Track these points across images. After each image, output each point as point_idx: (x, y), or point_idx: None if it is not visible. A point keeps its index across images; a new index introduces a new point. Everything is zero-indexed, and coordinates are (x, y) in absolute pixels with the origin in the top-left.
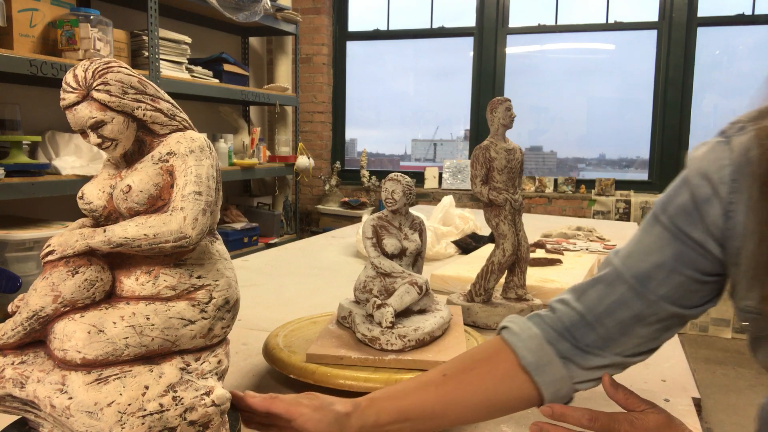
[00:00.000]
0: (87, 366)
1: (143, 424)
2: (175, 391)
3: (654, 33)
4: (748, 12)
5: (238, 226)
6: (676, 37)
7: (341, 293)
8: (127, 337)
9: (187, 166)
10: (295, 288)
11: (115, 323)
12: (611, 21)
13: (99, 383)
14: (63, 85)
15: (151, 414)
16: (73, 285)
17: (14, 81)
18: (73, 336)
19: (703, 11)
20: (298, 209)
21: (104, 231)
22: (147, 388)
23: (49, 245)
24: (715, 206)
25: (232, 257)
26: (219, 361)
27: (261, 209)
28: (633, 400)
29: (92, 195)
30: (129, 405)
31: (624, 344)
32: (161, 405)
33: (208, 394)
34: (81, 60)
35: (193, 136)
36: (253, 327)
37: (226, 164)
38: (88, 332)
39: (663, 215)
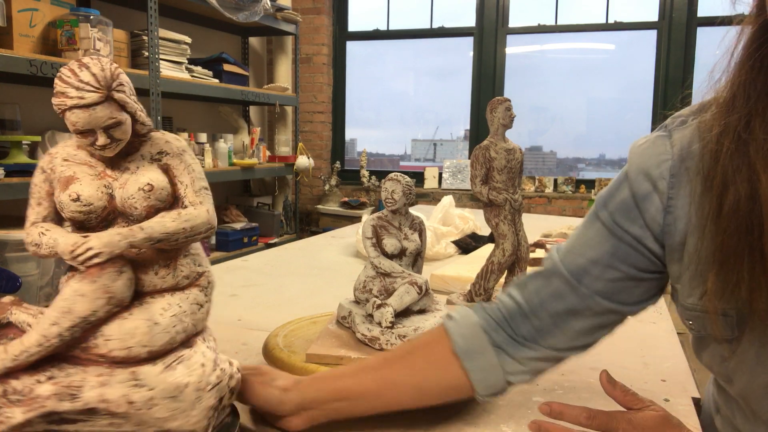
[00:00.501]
0: (152, 358)
1: (212, 396)
2: (218, 365)
3: (654, 33)
4: (748, 12)
5: (238, 226)
6: (676, 37)
7: (341, 293)
8: (175, 326)
9: (187, 164)
10: (295, 288)
11: (161, 315)
12: (611, 21)
13: (168, 370)
14: (78, 83)
15: (214, 386)
16: (122, 285)
17: (14, 81)
18: (136, 332)
19: (702, 11)
20: (298, 209)
21: (142, 229)
22: (203, 365)
23: (91, 248)
24: (655, 202)
25: (233, 257)
26: (213, 338)
27: (261, 209)
28: (631, 398)
29: (92, 196)
30: (200, 382)
31: (557, 337)
32: (217, 377)
33: (231, 364)
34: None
35: (174, 136)
36: (253, 327)
37: (226, 164)
38: (149, 327)
39: (603, 211)
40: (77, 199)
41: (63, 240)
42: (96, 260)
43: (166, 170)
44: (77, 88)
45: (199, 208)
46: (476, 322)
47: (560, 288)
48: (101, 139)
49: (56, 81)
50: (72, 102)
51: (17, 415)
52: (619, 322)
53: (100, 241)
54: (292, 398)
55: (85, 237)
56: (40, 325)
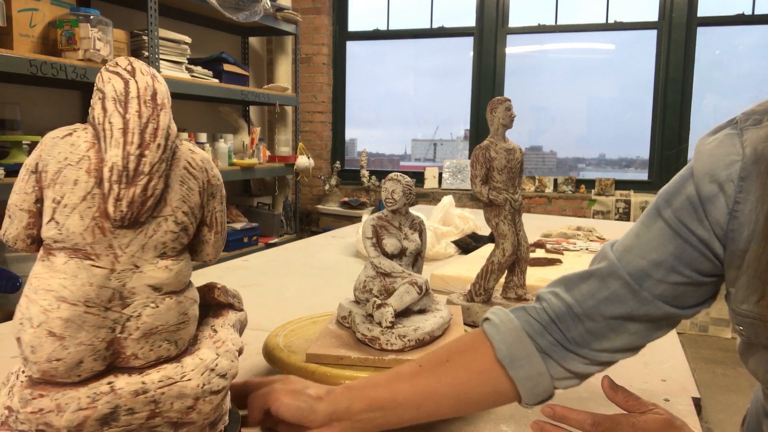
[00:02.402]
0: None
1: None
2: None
3: (654, 33)
4: (748, 12)
5: (238, 226)
6: (676, 37)
7: (341, 293)
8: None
9: None
10: (295, 288)
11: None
12: (611, 21)
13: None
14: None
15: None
16: None
17: (14, 81)
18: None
19: (703, 11)
20: (298, 209)
21: None
22: (224, 342)
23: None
24: (720, 205)
25: (233, 257)
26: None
27: (261, 209)
28: (633, 402)
29: None
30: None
31: (612, 340)
32: (234, 356)
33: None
34: (81, 60)
35: None
36: (253, 327)
37: (226, 164)
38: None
39: (666, 209)
40: None
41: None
42: None
43: None
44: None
45: None
46: (518, 327)
47: (619, 291)
48: None
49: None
50: None
51: None
52: (675, 324)
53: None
54: (323, 408)
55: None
56: None
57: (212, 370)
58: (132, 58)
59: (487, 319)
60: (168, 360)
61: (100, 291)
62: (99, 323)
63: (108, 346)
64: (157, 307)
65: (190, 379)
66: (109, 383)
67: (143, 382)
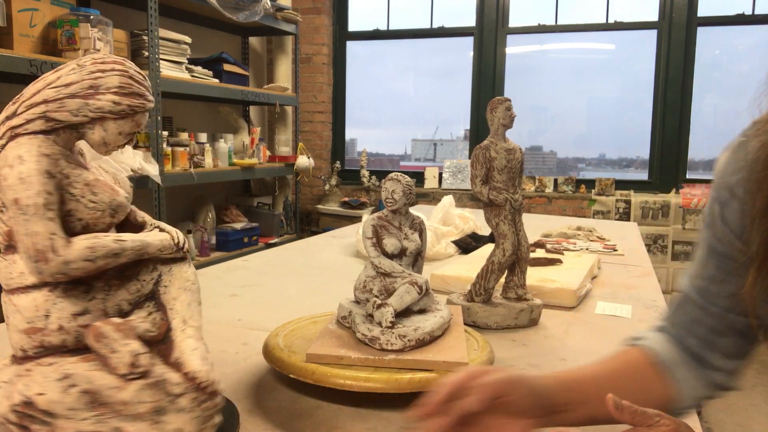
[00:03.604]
0: None
1: None
2: None
3: (654, 33)
4: (748, 12)
5: (238, 226)
6: (676, 37)
7: (341, 293)
8: None
9: None
10: (295, 288)
11: None
12: (611, 21)
13: None
14: (148, 86)
15: None
16: None
17: (14, 81)
18: None
19: (703, 11)
20: (298, 209)
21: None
22: None
23: (179, 241)
24: (735, 208)
25: (233, 257)
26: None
27: (261, 209)
28: (640, 417)
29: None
30: None
31: (715, 359)
32: None
33: None
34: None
35: None
36: (253, 327)
37: (226, 164)
38: None
39: (705, 229)
40: (127, 200)
41: (153, 238)
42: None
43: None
44: (149, 92)
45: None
46: (668, 338)
47: (695, 313)
48: (133, 140)
49: (129, 81)
50: (150, 105)
51: None
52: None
53: (175, 229)
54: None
55: (161, 231)
56: (194, 311)
57: None
58: None
59: (636, 338)
60: None
61: None
62: None
63: None
64: None
65: None
66: None
67: None
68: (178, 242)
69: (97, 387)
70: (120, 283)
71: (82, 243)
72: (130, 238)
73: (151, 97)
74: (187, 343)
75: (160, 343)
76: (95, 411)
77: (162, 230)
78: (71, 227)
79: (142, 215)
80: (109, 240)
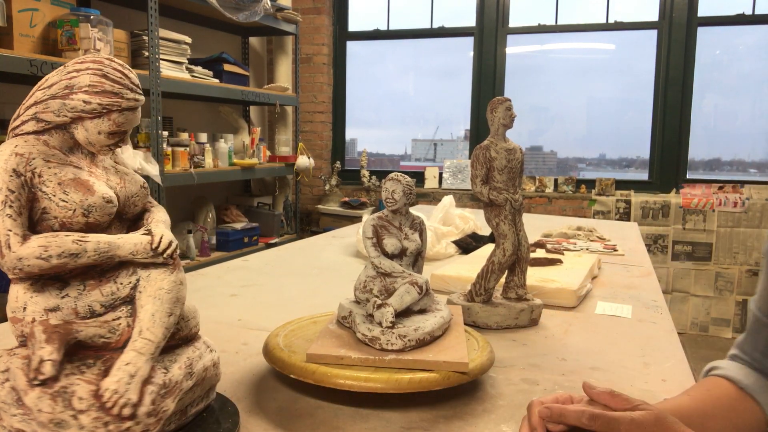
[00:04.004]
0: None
1: None
2: None
3: (654, 33)
4: (749, 12)
5: (238, 226)
6: (676, 37)
7: (341, 293)
8: None
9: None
10: (295, 288)
11: None
12: (611, 21)
13: None
14: (131, 85)
15: None
16: None
17: (14, 81)
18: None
19: (703, 11)
20: (299, 209)
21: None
22: None
23: (171, 243)
24: None
25: (233, 257)
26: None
27: (261, 209)
28: (620, 399)
29: (113, 197)
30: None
31: None
32: None
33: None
34: None
35: None
36: (253, 327)
37: (226, 164)
38: None
39: (764, 254)
40: (110, 201)
41: (127, 240)
42: (176, 252)
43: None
44: (131, 90)
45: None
46: (742, 366)
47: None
48: (126, 139)
49: (101, 80)
50: (128, 104)
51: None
52: None
53: (167, 233)
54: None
55: (146, 233)
56: (157, 323)
57: None
58: None
59: (712, 368)
60: None
61: None
62: None
63: None
64: None
65: None
66: None
67: None
68: (157, 247)
69: (17, 386)
70: (96, 284)
71: (36, 241)
72: (95, 240)
73: (130, 95)
74: (124, 357)
75: (119, 350)
76: (20, 409)
77: (148, 233)
78: (50, 225)
79: (154, 218)
80: (68, 240)
